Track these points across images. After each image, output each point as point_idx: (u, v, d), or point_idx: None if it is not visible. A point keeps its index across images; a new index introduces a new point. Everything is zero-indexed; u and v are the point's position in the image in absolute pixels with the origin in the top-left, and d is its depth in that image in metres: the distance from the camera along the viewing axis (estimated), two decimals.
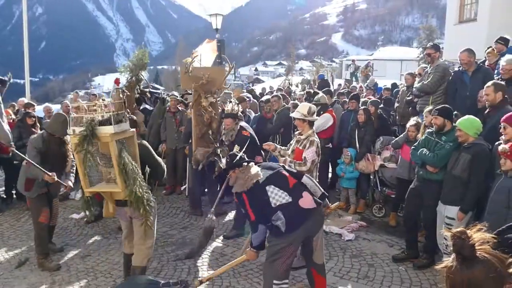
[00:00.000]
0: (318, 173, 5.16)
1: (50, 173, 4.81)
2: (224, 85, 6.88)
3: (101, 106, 3.94)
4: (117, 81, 4.36)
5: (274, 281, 3.65)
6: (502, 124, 3.94)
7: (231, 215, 6.76)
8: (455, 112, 5.07)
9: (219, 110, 6.37)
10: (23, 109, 8.01)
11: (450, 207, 4.46)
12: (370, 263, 5.10)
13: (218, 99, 8.23)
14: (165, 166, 4.59)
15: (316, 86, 14.47)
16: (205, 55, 7.85)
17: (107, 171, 4.00)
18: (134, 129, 4.19)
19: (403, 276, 4.77)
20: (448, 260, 1.47)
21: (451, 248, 1.46)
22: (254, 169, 3.76)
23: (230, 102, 6.23)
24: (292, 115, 5.47)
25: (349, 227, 6.11)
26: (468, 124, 4.34)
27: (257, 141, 6.16)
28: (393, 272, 4.85)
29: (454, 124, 4.65)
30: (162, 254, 5.42)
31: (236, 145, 5.21)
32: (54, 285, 4.69)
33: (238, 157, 3.80)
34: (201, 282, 4.17)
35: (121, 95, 4.20)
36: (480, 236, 1.43)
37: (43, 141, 4.97)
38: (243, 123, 6.20)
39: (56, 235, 6.08)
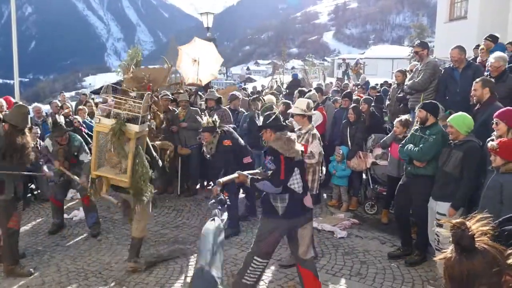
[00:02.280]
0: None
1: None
2: (166, 83, 7.15)
3: (130, 105, 4.42)
4: (148, 87, 4.81)
5: (255, 257, 3.86)
6: (494, 119, 3.95)
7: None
8: (450, 110, 5.10)
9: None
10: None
11: (441, 203, 4.47)
12: (363, 260, 5.10)
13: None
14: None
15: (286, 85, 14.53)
16: (208, 62, 8.08)
17: (117, 160, 4.46)
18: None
19: (396, 273, 4.78)
20: (447, 252, 1.46)
21: (448, 241, 1.45)
22: (299, 146, 3.92)
23: (205, 115, 6.14)
24: (290, 111, 5.46)
25: (341, 224, 6.11)
26: (460, 122, 4.34)
27: (241, 147, 6.05)
28: (386, 269, 4.86)
29: (437, 119, 4.81)
30: (154, 253, 5.36)
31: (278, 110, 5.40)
32: (44, 285, 4.62)
33: (271, 119, 3.93)
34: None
35: (149, 101, 4.63)
36: (479, 227, 1.42)
37: (5, 135, 4.64)
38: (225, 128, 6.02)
39: (46, 235, 6.02)
